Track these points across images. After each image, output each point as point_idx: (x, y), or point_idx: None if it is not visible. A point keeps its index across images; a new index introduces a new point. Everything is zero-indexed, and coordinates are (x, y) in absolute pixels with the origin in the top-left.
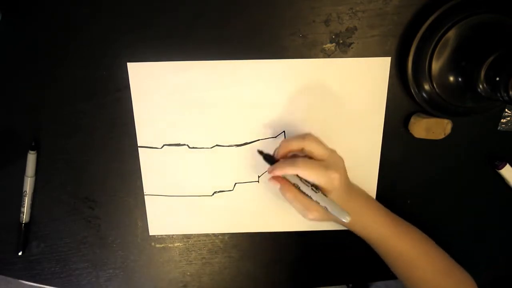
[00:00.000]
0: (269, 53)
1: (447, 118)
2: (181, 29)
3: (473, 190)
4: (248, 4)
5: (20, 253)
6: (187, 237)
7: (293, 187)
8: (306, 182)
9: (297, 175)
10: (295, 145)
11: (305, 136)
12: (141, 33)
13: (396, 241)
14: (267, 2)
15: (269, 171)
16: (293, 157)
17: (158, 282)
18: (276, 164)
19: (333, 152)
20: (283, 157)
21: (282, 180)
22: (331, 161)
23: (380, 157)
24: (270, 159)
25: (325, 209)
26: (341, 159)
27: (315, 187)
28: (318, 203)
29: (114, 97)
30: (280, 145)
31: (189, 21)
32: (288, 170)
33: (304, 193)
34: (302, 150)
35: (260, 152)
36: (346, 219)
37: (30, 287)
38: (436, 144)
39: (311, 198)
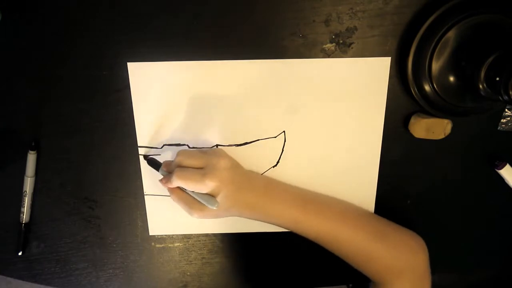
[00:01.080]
0: (269, 53)
1: (447, 118)
2: (181, 29)
3: (473, 190)
4: (248, 4)
5: (20, 253)
6: (187, 237)
7: (178, 189)
8: None
9: None
10: (173, 165)
11: (177, 154)
12: (141, 33)
13: (312, 220)
14: (267, 2)
15: (163, 183)
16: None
17: (158, 282)
18: (162, 180)
19: (211, 155)
20: (167, 166)
21: (172, 188)
22: (209, 167)
23: (380, 157)
24: (154, 164)
25: (198, 201)
26: (221, 160)
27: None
28: (194, 198)
29: (114, 97)
30: (163, 162)
31: (189, 21)
32: (168, 185)
33: (186, 193)
34: (184, 186)
35: (145, 157)
36: (214, 206)
37: (30, 287)
38: (436, 144)
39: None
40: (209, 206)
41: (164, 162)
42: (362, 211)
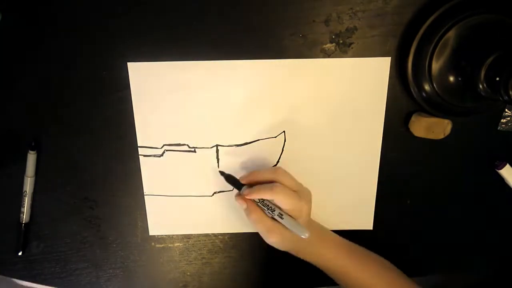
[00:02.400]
0: (269, 53)
1: (447, 118)
2: (181, 29)
3: (473, 190)
4: (248, 4)
5: (20, 253)
6: (187, 237)
7: (259, 209)
8: (273, 207)
9: (266, 200)
10: (267, 176)
11: (276, 170)
12: (141, 33)
13: (354, 271)
14: (267, 2)
15: (246, 194)
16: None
17: (158, 282)
18: (254, 188)
19: (302, 185)
20: (249, 182)
21: (249, 201)
22: (303, 193)
23: (380, 157)
24: (232, 181)
25: (285, 226)
26: (309, 192)
27: (281, 214)
28: (280, 223)
29: (114, 97)
30: (250, 173)
31: (189, 21)
32: (265, 195)
33: (267, 216)
34: (272, 181)
35: (222, 173)
36: (305, 235)
37: (30, 287)
38: (436, 144)
39: (275, 220)
40: (300, 234)
41: (250, 173)
42: (397, 270)
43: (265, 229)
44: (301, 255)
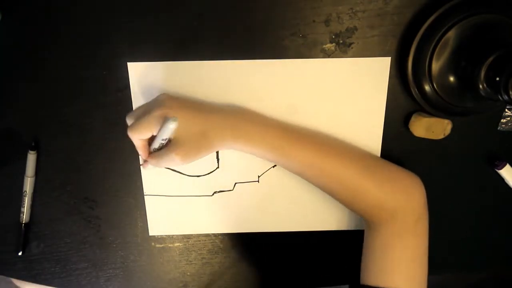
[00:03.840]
0: (269, 53)
1: (447, 118)
2: (181, 29)
3: (473, 190)
4: (248, 4)
5: (20, 253)
6: (187, 237)
7: (154, 153)
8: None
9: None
10: (140, 141)
11: (128, 131)
12: (141, 33)
13: (294, 149)
14: (267, 2)
15: (144, 162)
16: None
17: (158, 282)
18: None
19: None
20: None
21: (147, 160)
22: (153, 104)
23: (380, 157)
24: None
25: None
26: (165, 96)
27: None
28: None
29: (114, 97)
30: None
31: (189, 21)
32: (135, 140)
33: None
34: (142, 137)
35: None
36: (172, 124)
37: (30, 287)
38: (436, 144)
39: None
40: (170, 126)
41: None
42: (354, 148)
43: (167, 159)
44: (231, 145)
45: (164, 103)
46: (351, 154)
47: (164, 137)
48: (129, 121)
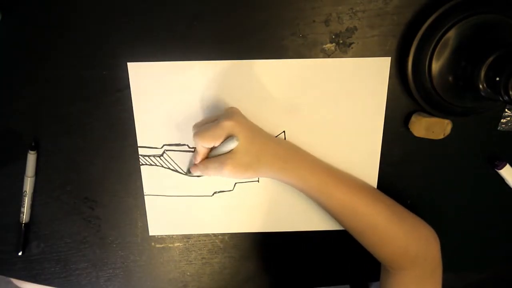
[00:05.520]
0: (269, 53)
1: (447, 118)
2: (181, 29)
3: (473, 190)
4: (248, 4)
5: (20, 253)
6: (187, 237)
7: (206, 161)
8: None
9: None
10: (205, 147)
11: (194, 136)
12: (141, 33)
13: (336, 189)
14: (267, 2)
15: (194, 164)
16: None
17: (158, 282)
18: (192, 167)
19: (224, 112)
20: (202, 158)
21: (196, 164)
22: (222, 116)
23: (380, 157)
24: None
25: (220, 146)
26: (234, 109)
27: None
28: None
29: (114, 97)
30: (195, 157)
31: (189, 21)
32: (197, 146)
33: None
34: (208, 144)
35: (188, 172)
36: (234, 143)
37: (30, 287)
38: (436, 144)
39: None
40: (231, 145)
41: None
42: (379, 191)
43: (216, 166)
44: (278, 174)
45: (233, 116)
46: (383, 199)
47: (222, 152)
48: (194, 129)
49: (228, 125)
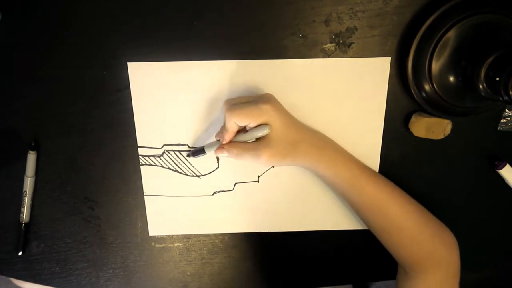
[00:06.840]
0: (269, 53)
1: (447, 118)
2: (181, 29)
3: (473, 190)
4: (248, 4)
5: (20, 253)
6: (187, 237)
7: (237, 144)
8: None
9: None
10: (230, 125)
11: (225, 103)
12: (141, 33)
13: (368, 184)
14: (267, 2)
15: (223, 142)
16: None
17: (158, 282)
18: (219, 133)
19: (258, 95)
20: (229, 139)
21: (226, 145)
22: (259, 98)
23: (380, 157)
24: (199, 151)
25: (251, 133)
26: (272, 96)
27: (246, 130)
28: (247, 134)
29: (114, 97)
30: (222, 135)
31: (189, 21)
32: (228, 124)
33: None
34: (239, 122)
35: (189, 154)
36: (265, 130)
37: (30, 287)
38: (436, 144)
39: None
40: (263, 131)
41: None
42: (405, 193)
43: (252, 154)
44: (313, 164)
45: (271, 100)
46: (411, 200)
47: (253, 137)
48: (227, 105)
49: (266, 109)
